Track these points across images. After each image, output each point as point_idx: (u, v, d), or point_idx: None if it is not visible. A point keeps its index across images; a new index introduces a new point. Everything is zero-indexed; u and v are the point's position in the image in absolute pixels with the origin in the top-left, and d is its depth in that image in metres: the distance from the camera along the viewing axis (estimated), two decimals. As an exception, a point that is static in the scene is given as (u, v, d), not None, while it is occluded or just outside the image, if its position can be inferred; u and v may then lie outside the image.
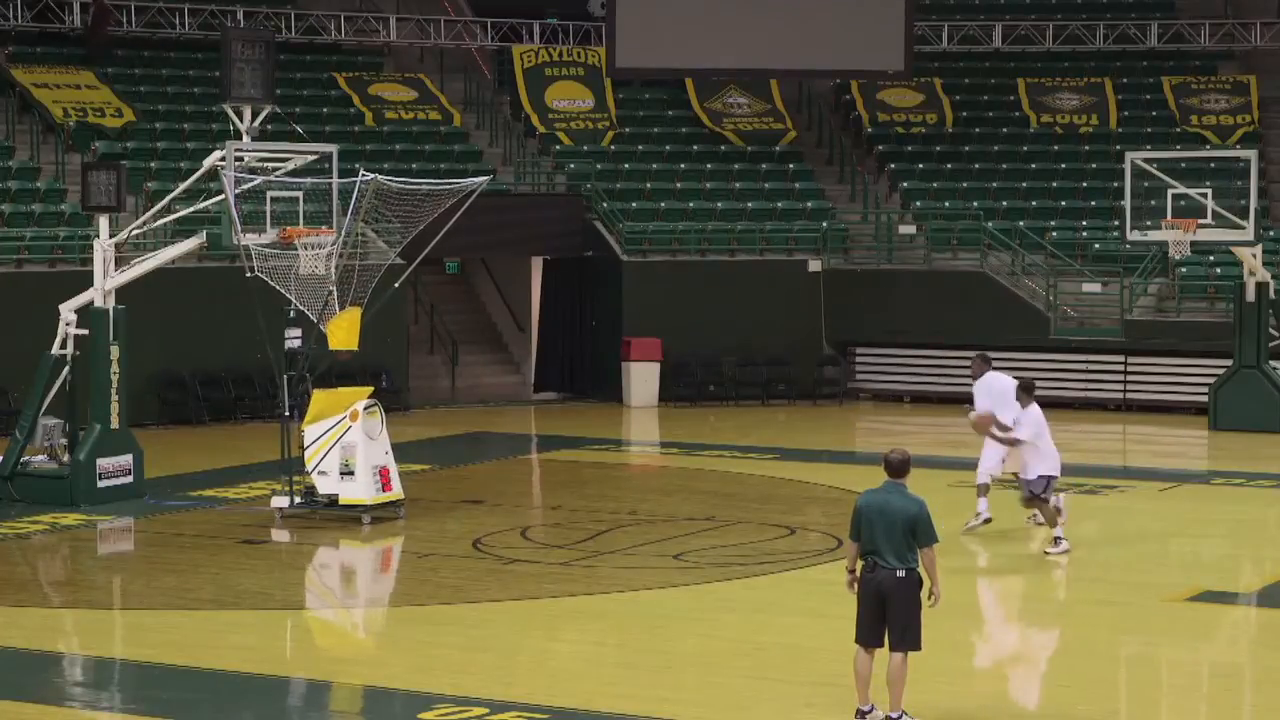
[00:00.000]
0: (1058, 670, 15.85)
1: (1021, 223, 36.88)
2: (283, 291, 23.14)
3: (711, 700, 14.89)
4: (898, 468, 13.85)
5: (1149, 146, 37.42)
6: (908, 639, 13.61)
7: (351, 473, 22.46)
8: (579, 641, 17.22)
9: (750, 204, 38.05)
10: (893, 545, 13.55)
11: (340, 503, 22.55)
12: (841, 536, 21.01)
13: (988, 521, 21.57)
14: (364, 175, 23.44)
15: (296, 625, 18.20)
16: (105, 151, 34.14)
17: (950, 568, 19.57)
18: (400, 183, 23.53)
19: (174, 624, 17.78)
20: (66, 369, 24.33)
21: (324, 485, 22.64)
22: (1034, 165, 39.57)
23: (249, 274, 23.03)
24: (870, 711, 13.73)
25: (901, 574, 13.55)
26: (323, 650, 17.71)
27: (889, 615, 13.61)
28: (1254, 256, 31.25)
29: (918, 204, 38.47)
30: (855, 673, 13.80)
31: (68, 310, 24.41)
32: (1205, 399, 32.09)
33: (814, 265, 36.50)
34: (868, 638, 13.74)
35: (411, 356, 35.20)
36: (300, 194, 23.79)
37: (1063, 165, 39.52)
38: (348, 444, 22.50)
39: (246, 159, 23.82)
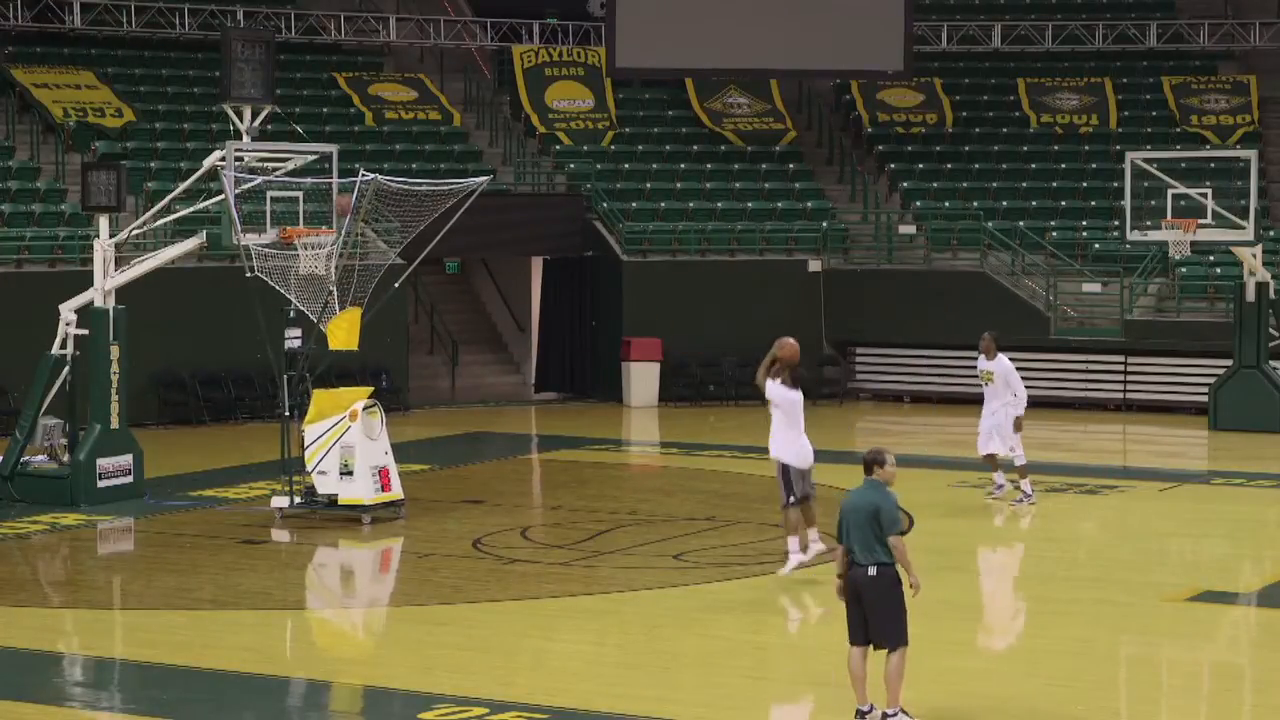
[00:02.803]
0: (1058, 670, 15.84)
1: (1021, 223, 36.88)
2: (283, 291, 23.14)
3: (711, 700, 14.88)
4: (866, 464, 13.86)
5: (1149, 146, 37.43)
6: (889, 635, 13.58)
7: (350, 472, 22.46)
8: (579, 641, 17.22)
9: (750, 204, 38.05)
10: (863, 540, 13.54)
11: (340, 503, 22.56)
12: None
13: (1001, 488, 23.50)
14: (364, 175, 23.45)
15: (296, 625, 18.21)
16: (105, 151, 34.14)
17: (949, 566, 19.66)
18: (400, 183, 23.53)
19: (174, 624, 17.78)
20: (66, 369, 24.33)
21: (324, 485, 22.64)
22: (1034, 165, 39.58)
23: (249, 274, 23.04)
24: (869, 711, 13.72)
25: (872, 572, 13.52)
26: (323, 650, 17.71)
27: (866, 613, 13.61)
28: (1254, 256, 31.24)
29: (918, 204, 38.47)
30: (850, 672, 13.80)
31: (68, 310, 24.41)
32: (1205, 399, 32.08)
33: (814, 265, 36.50)
34: (853, 636, 13.76)
35: (411, 356, 35.20)
36: (300, 194, 23.80)
37: (1063, 165, 39.53)
38: (347, 444, 22.50)
39: (246, 159, 23.81)
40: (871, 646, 13.69)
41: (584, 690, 15.16)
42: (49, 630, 17.84)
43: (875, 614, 13.58)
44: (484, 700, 14.64)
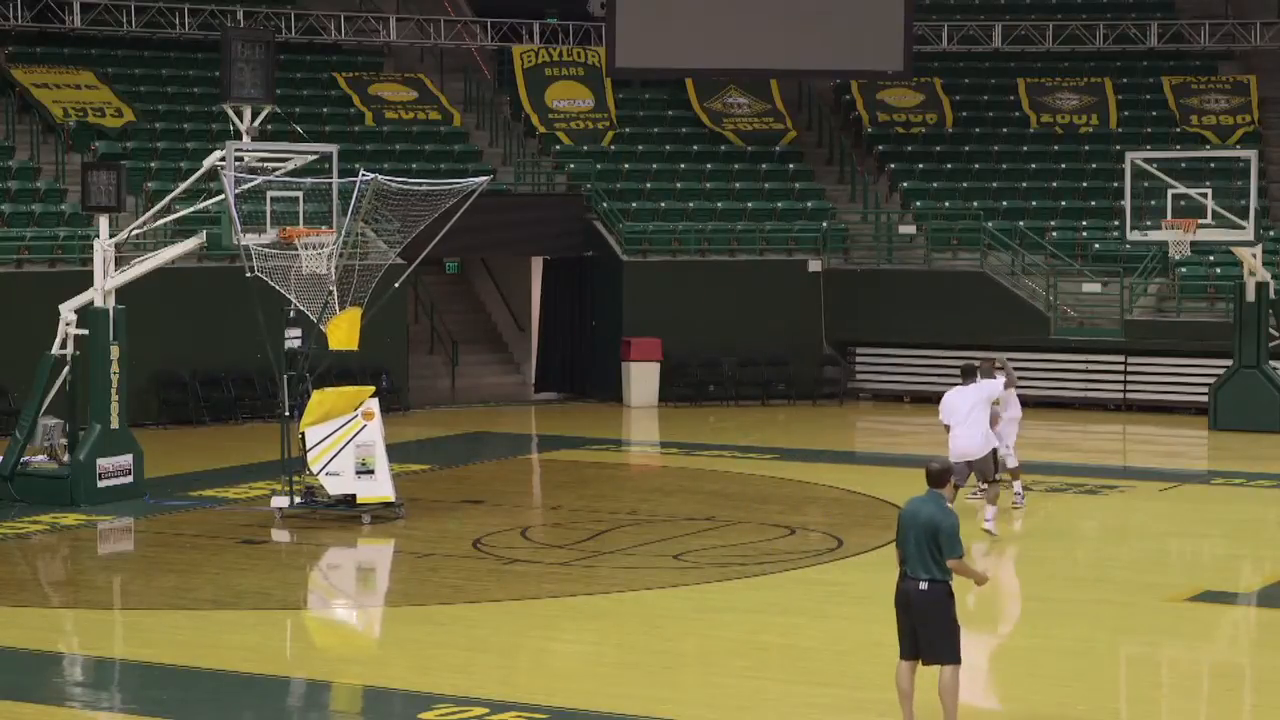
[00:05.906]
0: (1058, 670, 15.84)
1: (1021, 223, 36.88)
2: (283, 291, 23.15)
3: (711, 700, 14.89)
4: (934, 477, 13.57)
5: (1149, 146, 37.43)
6: (940, 652, 13.34)
7: (371, 471, 22.45)
8: (579, 641, 17.23)
9: (750, 204, 38.04)
10: (919, 554, 13.29)
11: (359, 501, 22.51)
12: (842, 536, 21.14)
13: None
14: (364, 175, 23.45)
15: (296, 625, 18.21)
16: (105, 151, 34.14)
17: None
18: (400, 183, 23.53)
19: (174, 624, 17.79)
20: (66, 369, 24.33)
21: (337, 486, 22.55)
22: (1034, 165, 39.57)
23: (249, 274, 23.04)
24: None
25: (924, 586, 13.28)
26: (323, 650, 17.71)
27: (916, 627, 13.37)
28: (1254, 256, 31.25)
29: (918, 204, 38.47)
30: (897, 687, 13.54)
31: (68, 310, 24.41)
32: (1205, 399, 32.08)
33: (814, 265, 36.49)
34: (902, 649, 13.51)
35: (411, 356, 35.20)
36: (300, 194, 23.81)
37: (1063, 165, 39.52)
38: (365, 442, 22.48)
39: (246, 159, 23.83)
40: (920, 662, 13.44)
41: (584, 690, 15.17)
42: (49, 630, 17.84)
43: (926, 629, 13.33)
44: (484, 700, 14.64)
